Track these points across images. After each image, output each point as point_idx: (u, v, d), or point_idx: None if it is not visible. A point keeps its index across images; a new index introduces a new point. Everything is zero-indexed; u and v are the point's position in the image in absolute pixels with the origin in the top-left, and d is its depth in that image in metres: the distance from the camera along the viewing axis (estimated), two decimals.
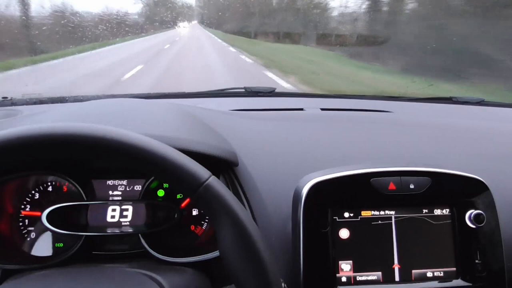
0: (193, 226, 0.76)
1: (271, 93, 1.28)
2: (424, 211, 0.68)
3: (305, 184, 0.66)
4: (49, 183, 0.75)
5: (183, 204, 0.76)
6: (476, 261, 0.66)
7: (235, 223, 0.45)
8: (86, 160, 0.75)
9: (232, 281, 0.45)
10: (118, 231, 0.71)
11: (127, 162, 0.46)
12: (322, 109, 1.16)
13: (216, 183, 0.46)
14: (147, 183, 0.74)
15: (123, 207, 0.73)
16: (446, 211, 0.68)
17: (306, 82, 5.02)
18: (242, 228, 0.45)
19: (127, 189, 0.76)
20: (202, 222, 0.77)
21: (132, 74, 5.41)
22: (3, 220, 0.73)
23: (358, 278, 0.65)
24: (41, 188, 0.75)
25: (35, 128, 0.44)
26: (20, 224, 0.74)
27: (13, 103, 1.15)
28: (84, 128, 0.45)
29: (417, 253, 0.66)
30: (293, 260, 0.65)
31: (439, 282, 0.66)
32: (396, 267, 0.66)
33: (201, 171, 0.46)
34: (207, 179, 0.46)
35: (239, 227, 0.45)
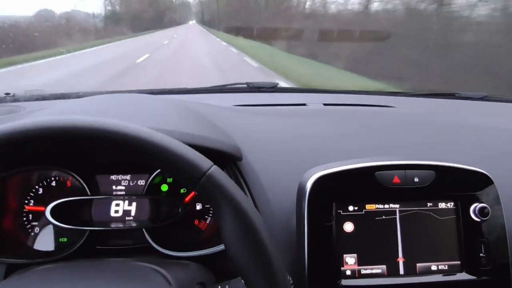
0: (197, 221, 0.77)
1: (273, 88, 1.27)
2: (429, 204, 0.67)
3: (309, 178, 0.65)
4: (52, 178, 0.75)
5: (187, 199, 0.76)
6: (481, 254, 0.66)
7: (238, 212, 0.44)
8: (89, 154, 0.75)
9: (238, 273, 0.45)
10: (122, 225, 0.71)
11: (128, 154, 0.46)
12: (325, 104, 1.16)
13: (218, 173, 0.46)
14: (150, 178, 0.74)
15: (127, 202, 0.73)
16: (450, 205, 0.68)
17: None
18: (244, 217, 0.44)
19: (131, 184, 0.76)
20: (206, 217, 0.77)
21: None
22: (7, 215, 0.73)
23: (363, 272, 0.65)
24: (45, 183, 0.75)
25: (32, 122, 0.44)
26: (24, 219, 0.74)
27: (15, 99, 1.16)
28: (82, 120, 0.45)
29: (422, 246, 0.66)
30: (298, 254, 0.65)
31: (443, 275, 0.66)
32: (401, 261, 0.65)
33: (202, 161, 0.46)
34: (209, 169, 0.45)
35: (242, 216, 0.44)
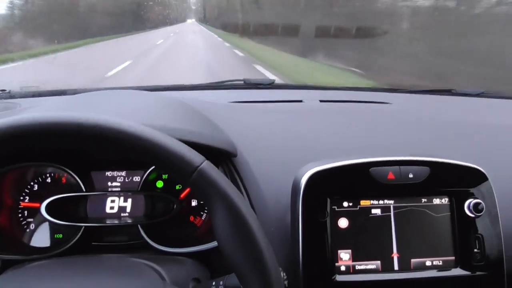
0: (192, 217, 0.77)
1: (270, 85, 1.27)
2: (423, 200, 0.68)
3: (304, 174, 0.65)
4: (48, 175, 0.75)
5: (182, 195, 0.76)
6: (475, 250, 0.66)
7: (229, 207, 0.44)
8: (84, 150, 0.74)
9: (231, 269, 0.45)
10: (117, 222, 0.72)
11: (121, 151, 0.46)
12: (321, 101, 1.16)
13: (210, 168, 0.46)
14: (145, 174, 0.74)
15: (122, 198, 0.73)
16: (445, 201, 0.68)
17: None
18: (236, 212, 0.44)
19: (126, 180, 0.76)
20: (201, 213, 0.77)
21: None
22: (3, 211, 0.73)
23: (357, 267, 0.65)
24: (40, 180, 0.75)
25: (23, 118, 0.44)
26: (20, 215, 0.74)
27: (11, 96, 1.15)
28: (71, 117, 0.44)
29: (416, 242, 0.66)
30: (292, 249, 0.65)
31: (438, 271, 0.66)
32: (395, 256, 0.66)
33: (194, 156, 0.46)
34: (200, 164, 0.45)
35: (234, 211, 0.44)
